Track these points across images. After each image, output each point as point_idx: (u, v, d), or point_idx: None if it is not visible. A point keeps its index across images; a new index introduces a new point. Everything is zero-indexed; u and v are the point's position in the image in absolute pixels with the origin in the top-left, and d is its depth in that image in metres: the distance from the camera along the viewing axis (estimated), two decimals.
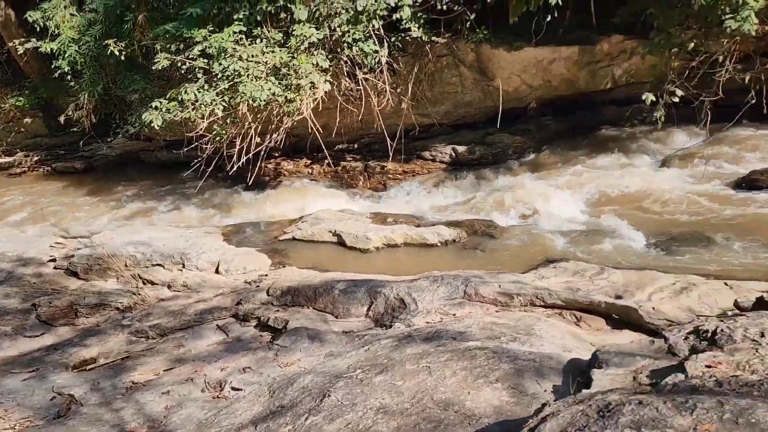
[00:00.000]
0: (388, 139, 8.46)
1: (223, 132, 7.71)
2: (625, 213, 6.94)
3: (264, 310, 5.03)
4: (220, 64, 7.21)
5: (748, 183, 6.96)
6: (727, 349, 2.46)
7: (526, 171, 8.69)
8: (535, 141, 9.21)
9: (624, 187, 7.56)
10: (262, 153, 8.08)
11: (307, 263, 6.35)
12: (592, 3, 8.09)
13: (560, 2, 6.95)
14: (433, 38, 8.34)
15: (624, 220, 6.66)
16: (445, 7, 7.84)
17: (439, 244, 6.52)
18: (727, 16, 6.09)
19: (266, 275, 5.97)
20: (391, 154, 8.67)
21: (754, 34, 6.17)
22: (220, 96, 7.33)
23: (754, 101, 6.82)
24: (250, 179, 8.45)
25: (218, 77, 7.32)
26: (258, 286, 5.60)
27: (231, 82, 7.27)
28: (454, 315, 4.42)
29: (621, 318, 4.21)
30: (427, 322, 4.31)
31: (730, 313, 3.97)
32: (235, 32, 7.30)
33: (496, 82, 8.82)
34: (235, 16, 7.49)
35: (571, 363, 3.09)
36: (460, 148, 9.16)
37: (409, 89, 8.66)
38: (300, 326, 4.55)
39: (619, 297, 4.54)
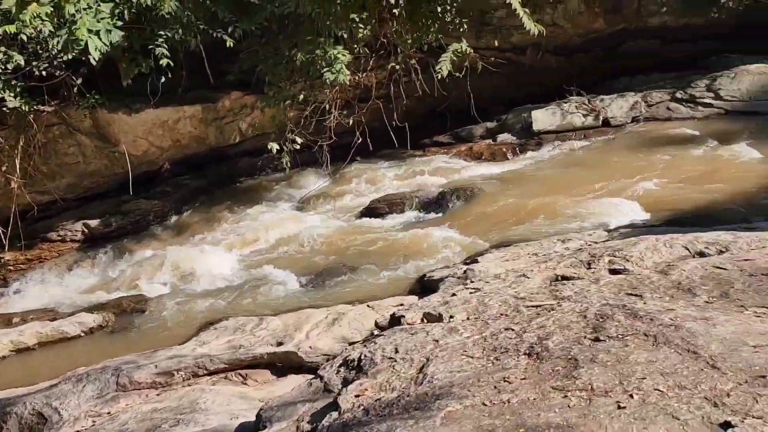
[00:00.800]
0: None
1: None
2: (276, 259, 7.17)
3: None
4: None
5: (371, 212, 7.92)
6: (371, 373, 2.62)
7: (171, 235, 8.33)
8: (175, 202, 8.91)
9: (270, 234, 7.81)
10: None
11: None
12: (206, 63, 8.27)
13: (171, 63, 6.88)
14: (37, 107, 7.42)
15: (276, 266, 6.88)
16: (44, 72, 7.06)
17: (83, 334, 5.76)
18: (324, 70, 6.84)
19: None
20: (6, 242, 7.38)
21: (348, 83, 7.06)
22: None
23: (360, 141, 7.78)
24: None
25: None
26: None
27: None
28: (109, 413, 3.89)
29: (284, 364, 4.26)
30: None
31: (376, 332, 4.35)
32: None
33: (122, 147, 8.29)
34: None
35: (240, 430, 2.95)
36: (93, 222, 8.30)
37: (17, 166, 7.52)
38: None
39: (280, 343, 4.60)
